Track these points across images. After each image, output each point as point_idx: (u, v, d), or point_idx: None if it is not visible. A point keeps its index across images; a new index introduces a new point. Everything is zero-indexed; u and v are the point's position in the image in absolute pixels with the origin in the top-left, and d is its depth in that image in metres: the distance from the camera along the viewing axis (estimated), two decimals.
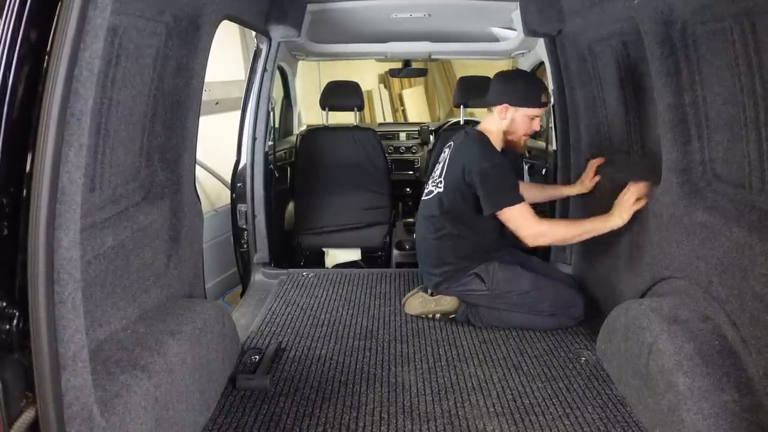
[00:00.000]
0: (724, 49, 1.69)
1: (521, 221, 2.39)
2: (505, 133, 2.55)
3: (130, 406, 1.34)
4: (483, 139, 2.54)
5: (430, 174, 2.78)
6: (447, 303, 2.61)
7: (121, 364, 1.45)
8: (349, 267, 3.63)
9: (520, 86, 2.51)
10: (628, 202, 2.23)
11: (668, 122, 1.98)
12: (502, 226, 2.54)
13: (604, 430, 1.81)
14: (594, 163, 2.76)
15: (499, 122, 2.53)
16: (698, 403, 1.53)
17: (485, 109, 3.73)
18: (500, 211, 2.41)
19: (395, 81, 7.00)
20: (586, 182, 2.77)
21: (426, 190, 2.72)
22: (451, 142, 2.67)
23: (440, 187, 2.58)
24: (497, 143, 2.56)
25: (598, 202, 2.75)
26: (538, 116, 2.53)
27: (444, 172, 2.57)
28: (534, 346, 2.40)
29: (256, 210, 3.20)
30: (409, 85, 7.09)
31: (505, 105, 2.49)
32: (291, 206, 3.84)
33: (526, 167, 3.86)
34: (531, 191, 2.88)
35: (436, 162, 2.75)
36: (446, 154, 2.64)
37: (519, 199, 2.39)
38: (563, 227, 2.50)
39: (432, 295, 2.68)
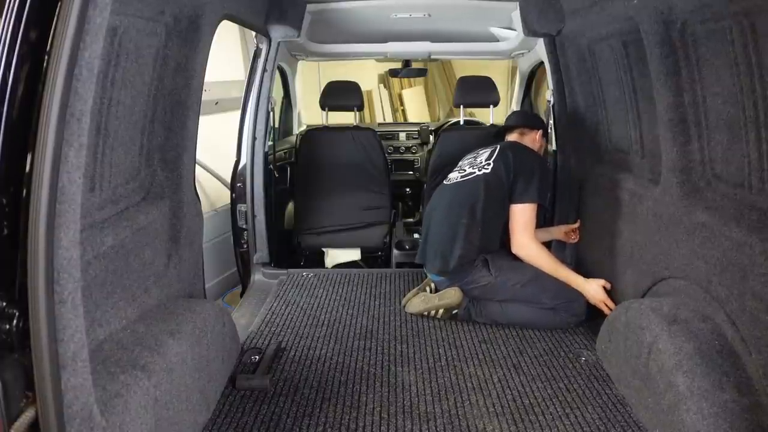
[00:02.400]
0: (723, 48, 1.69)
1: (525, 224, 2.59)
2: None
3: (130, 406, 1.34)
4: (534, 151, 2.85)
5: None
6: (450, 296, 2.61)
7: (121, 363, 1.45)
8: (349, 267, 3.63)
9: (540, 120, 3.11)
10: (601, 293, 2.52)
11: (668, 122, 1.98)
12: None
13: (604, 430, 1.82)
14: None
15: (533, 142, 2.91)
16: (698, 403, 1.53)
17: (485, 110, 3.77)
18: (523, 204, 2.59)
19: (395, 81, 6.99)
20: (562, 231, 3.04)
21: (462, 173, 2.80)
22: (497, 146, 2.81)
23: (487, 169, 2.69)
24: None
25: (598, 202, 2.76)
26: None
27: (494, 157, 2.71)
28: (534, 346, 2.40)
29: (255, 210, 3.20)
30: (409, 85, 7.09)
31: (540, 131, 2.94)
32: (291, 206, 3.84)
33: None
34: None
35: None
36: (489, 150, 2.79)
37: (544, 201, 2.65)
38: (546, 258, 2.60)
39: (433, 292, 2.68)
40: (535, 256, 2.58)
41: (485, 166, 2.71)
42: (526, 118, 3.03)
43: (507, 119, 3.15)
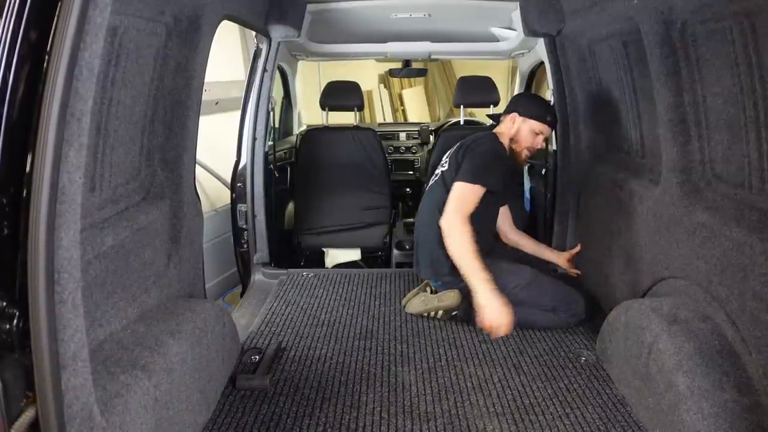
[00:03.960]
0: (723, 48, 1.69)
1: (462, 203, 2.46)
2: (511, 140, 2.72)
3: (130, 406, 1.34)
4: (493, 136, 2.71)
5: (431, 170, 2.87)
6: (449, 298, 2.60)
7: (121, 363, 1.45)
8: (349, 267, 3.63)
9: (530, 101, 2.81)
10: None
11: (668, 122, 1.98)
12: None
13: (604, 430, 1.82)
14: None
15: (508, 128, 2.72)
16: (698, 403, 1.53)
17: (485, 110, 3.78)
18: (461, 182, 2.50)
19: (395, 81, 6.99)
20: (564, 258, 2.93)
21: (434, 176, 2.81)
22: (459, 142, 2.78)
23: (445, 166, 2.69)
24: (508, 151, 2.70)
25: (598, 202, 2.76)
26: (542, 133, 2.71)
27: (451, 153, 2.71)
28: (534, 346, 2.40)
29: (256, 210, 3.20)
30: (409, 85, 7.09)
31: (514, 114, 2.71)
32: (291, 206, 3.84)
33: (525, 167, 3.86)
34: (529, 240, 3.01)
35: (439, 160, 2.86)
36: (456, 146, 2.76)
37: (484, 184, 2.49)
38: (467, 246, 2.36)
39: (434, 292, 2.68)
40: (454, 238, 2.38)
41: (444, 164, 2.73)
42: (507, 107, 2.80)
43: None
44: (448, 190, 2.57)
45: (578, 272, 2.89)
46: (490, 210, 2.67)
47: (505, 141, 2.70)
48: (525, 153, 2.74)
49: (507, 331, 2.20)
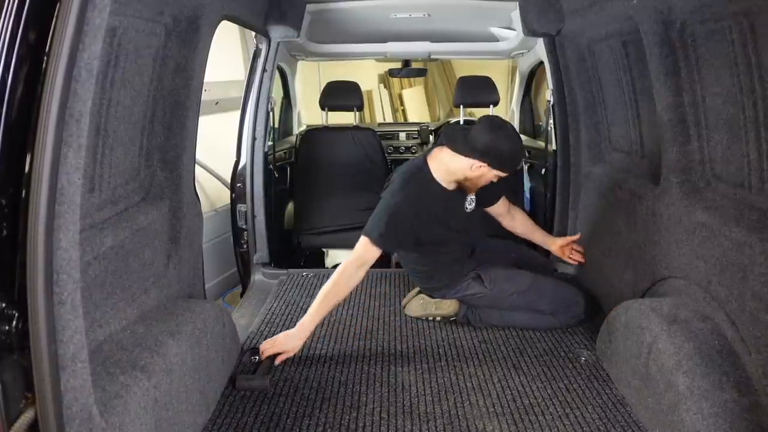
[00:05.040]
0: (723, 48, 1.69)
1: (359, 254, 2.30)
2: (466, 179, 2.40)
3: (129, 407, 1.34)
4: (416, 175, 2.44)
5: None
6: (447, 306, 2.60)
7: (121, 364, 1.45)
8: None
9: (506, 152, 2.33)
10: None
11: (667, 122, 1.98)
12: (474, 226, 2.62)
13: (604, 430, 1.81)
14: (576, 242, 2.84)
15: (465, 170, 2.36)
16: (698, 403, 1.53)
17: (485, 110, 3.77)
18: (363, 236, 2.32)
19: (395, 81, 6.99)
20: (558, 245, 2.82)
21: None
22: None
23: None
24: (445, 181, 2.43)
25: (598, 202, 2.76)
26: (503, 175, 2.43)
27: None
28: (534, 346, 2.40)
29: (255, 210, 3.20)
30: (409, 85, 7.08)
31: (485, 164, 2.33)
32: (291, 206, 3.83)
33: (525, 167, 3.86)
34: (521, 222, 2.87)
35: None
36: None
37: (374, 238, 2.29)
38: (329, 288, 2.28)
39: (432, 297, 2.68)
40: (335, 278, 2.28)
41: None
42: (473, 139, 2.32)
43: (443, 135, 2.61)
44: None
45: (574, 259, 2.82)
46: (444, 247, 2.52)
47: (451, 178, 2.42)
48: (475, 189, 2.49)
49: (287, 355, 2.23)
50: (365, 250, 2.30)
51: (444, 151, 2.42)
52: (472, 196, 2.54)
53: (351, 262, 2.30)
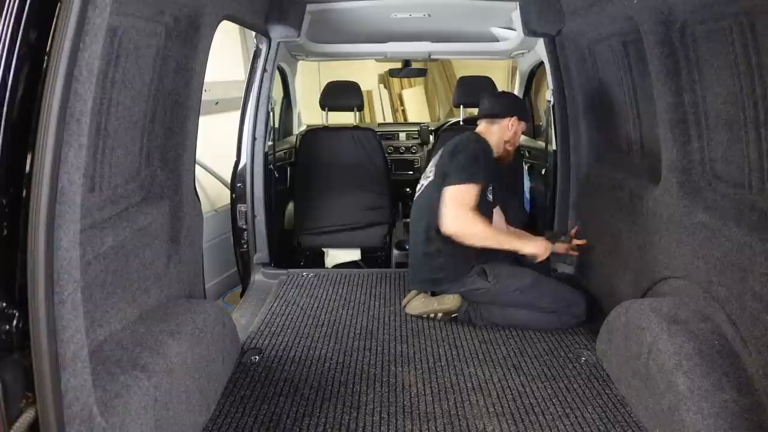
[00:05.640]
0: (723, 48, 1.69)
1: (461, 202, 2.43)
2: (506, 142, 2.74)
3: (130, 406, 1.34)
4: (477, 136, 2.69)
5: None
6: (449, 302, 2.61)
7: (121, 364, 1.45)
8: (349, 267, 3.63)
9: (520, 101, 2.97)
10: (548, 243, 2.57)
11: (668, 122, 1.98)
12: None
13: (604, 430, 1.81)
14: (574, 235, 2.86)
15: (504, 131, 2.73)
16: (698, 403, 1.53)
17: None
18: (454, 185, 2.46)
19: (395, 81, 6.99)
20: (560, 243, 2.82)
21: (419, 188, 2.76)
22: (444, 146, 2.73)
23: (431, 176, 2.65)
24: (495, 150, 2.69)
25: (598, 202, 2.76)
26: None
27: (436, 161, 2.67)
28: (534, 346, 2.40)
29: (256, 210, 3.20)
30: (409, 85, 7.09)
31: (515, 117, 2.72)
32: (291, 206, 3.84)
33: (525, 167, 3.86)
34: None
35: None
36: (441, 149, 2.72)
37: (477, 181, 2.46)
38: (487, 234, 2.48)
39: (433, 294, 2.68)
40: (472, 232, 2.43)
41: (429, 174, 2.67)
42: (495, 104, 2.76)
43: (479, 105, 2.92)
44: (436, 207, 2.53)
45: (575, 253, 2.82)
46: (482, 211, 2.60)
47: (494, 141, 2.69)
48: (512, 152, 2.82)
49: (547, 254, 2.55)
50: (465, 194, 2.44)
51: (483, 127, 2.76)
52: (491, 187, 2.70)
53: (458, 214, 2.42)
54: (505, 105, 2.78)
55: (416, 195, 2.78)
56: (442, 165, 2.59)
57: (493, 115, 2.74)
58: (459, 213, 2.43)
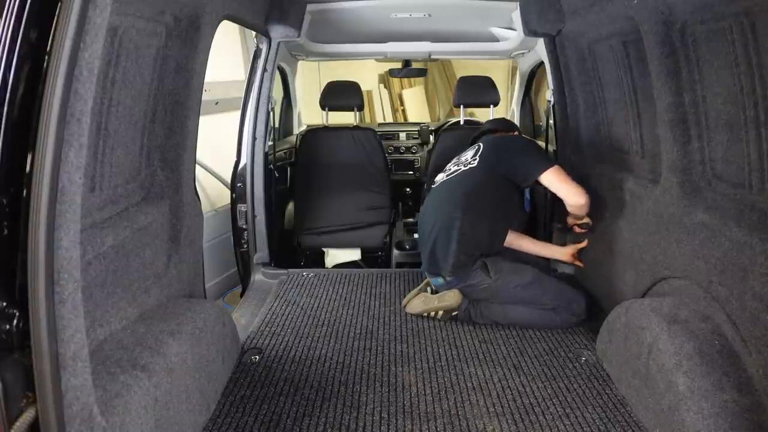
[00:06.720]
0: (723, 48, 1.69)
1: (565, 180, 2.62)
2: None
3: (130, 406, 1.34)
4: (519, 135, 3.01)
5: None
6: (450, 299, 2.61)
7: (121, 364, 1.45)
8: (349, 267, 3.63)
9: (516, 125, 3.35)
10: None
11: (668, 122, 1.98)
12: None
13: (604, 430, 1.82)
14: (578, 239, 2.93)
15: None
16: (698, 403, 1.53)
17: (485, 110, 3.77)
18: (546, 173, 2.60)
19: (395, 81, 6.99)
20: (568, 253, 2.91)
21: (447, 173, 2.81)
22: (479, 144, 2.81)
23: (473, 164, 2.69)
24: None
25: (598, 202, 2.75)
26: None
27: (479, 153, 2.73)
28: (534, 346, 2.40)
29: (256, 210, 3.20)
30: (409, 85, 7.09)
31: (516, 132, 3.02)
32: (291, 206, 3.84)
33: None
34: (523, 241, 2.98)
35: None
36: (473, 149, 2.80)
37: (552, 161, 2.69)
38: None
39: (434, 293, 2.68)
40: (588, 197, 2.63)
41: (471, 162, 2.73)
42: (500, 123, 3.13)
43: (485, 125, 3.15)
44: (480, 186, 2.64)
45: (581, 264, 2.86)
46: (511, 201, 2.75)
47: None
48: None
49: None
50: (563, 173, 2.62)
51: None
52: None
53: (576, 186, 2.60)
54: (507, 123, 3.14)
55: (440, 182, 2.83)
56: (491, 156, 2.70)
57: (501, 129, 3.02)
58: (577, 189, 2.60)
